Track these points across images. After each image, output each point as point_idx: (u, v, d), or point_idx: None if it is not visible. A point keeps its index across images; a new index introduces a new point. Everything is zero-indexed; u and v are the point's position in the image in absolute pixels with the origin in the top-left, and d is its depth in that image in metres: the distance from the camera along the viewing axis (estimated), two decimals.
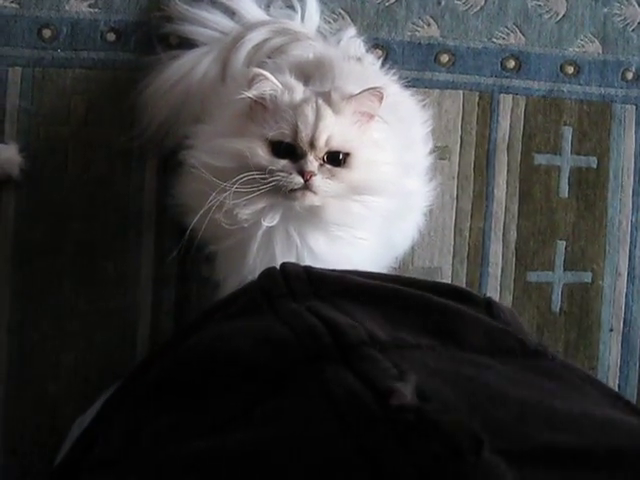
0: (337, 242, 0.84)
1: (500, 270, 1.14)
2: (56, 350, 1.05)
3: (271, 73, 0.81)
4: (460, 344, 0.47)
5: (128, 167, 1.05)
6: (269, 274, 0.59)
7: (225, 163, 0.80)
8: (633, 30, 1.18)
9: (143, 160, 1.05)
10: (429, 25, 1.12)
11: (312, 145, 0.78)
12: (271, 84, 0.80)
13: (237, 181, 0.77)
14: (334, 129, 0.79)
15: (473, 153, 1.13)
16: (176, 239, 1.03)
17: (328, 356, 0.44)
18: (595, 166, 1.17)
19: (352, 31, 1.07)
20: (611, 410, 0.42)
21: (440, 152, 1.08)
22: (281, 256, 0.82)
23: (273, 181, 0.77)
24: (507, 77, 1.14)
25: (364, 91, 0.80)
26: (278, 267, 0.59)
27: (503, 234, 1.14)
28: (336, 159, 0.79)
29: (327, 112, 0.79)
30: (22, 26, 1.04)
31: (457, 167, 1.12)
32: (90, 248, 1.05)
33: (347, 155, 0.80)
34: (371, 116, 0.81)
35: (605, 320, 1.18)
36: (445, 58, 1.12)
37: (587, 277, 1.17)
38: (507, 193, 1.14)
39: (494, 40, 1.14)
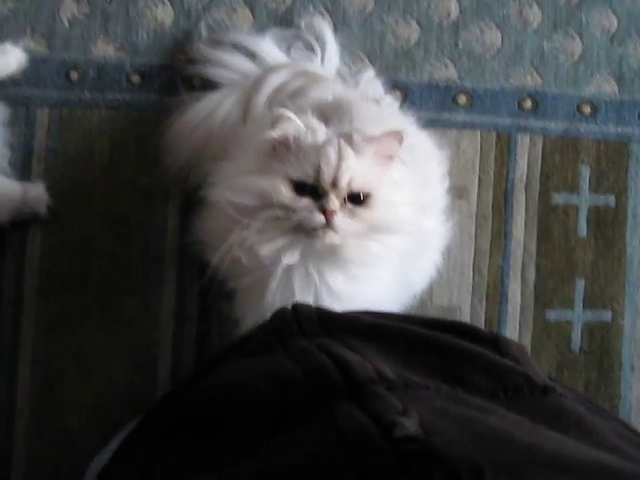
0: (355, 280, 0.85)
1: (519, 309, 1.14)
2: (77, 384, 1.06)
3: (294, 114, 0.82)
4: (466, 385, 0.48)
5: (151, 206, 1.08)
6: (281, 314, 0.60)
7: (247, 201, 0.81)
8: None
9: (166, 199, 1.08)
10: (447, 67, 1.14)
11: (334, 185, 0.79)
12: (294, 125, 0.81)
13: (259, 219, 0.79)
14: (356, 170, 0.80)
15: (491, 192, 1.14)
16: (197, 276, 1.05)
17: (337, 393, 0.45)
18: (613, 205, 1.17)
19: (371, 73, 1.09)
20: (620, 442, 0.42)
21: (458, 191, 1.09)
22: (300, 294, 0.83)
23: (295, 220, 0.78)
24: (524, 117, 1.15)
25: (385, 134, 0.81)
26: (290, 307, 0.60)
27: (522, 273, 1.14)
28: (357, 199, 0.80)
29: (349, 153, 0.80)
30: (51, 68, 1.07)
31: (475, 206, 1.13)
32: (113, 284, 1.07)
33: (367, 195, 0.81)
34: (391, 157, 0.82)
35: (626, 359, 1.17)
36: (463, 99, 1.14)
37: (607, 316, 1.17)
38: (525, 232, 1.14)
39: (511, 81, 1.15)
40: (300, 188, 0.80)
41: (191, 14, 1.10)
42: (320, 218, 0.78)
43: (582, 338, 1.16)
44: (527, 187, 1.15)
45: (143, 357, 1.07)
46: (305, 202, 0.79)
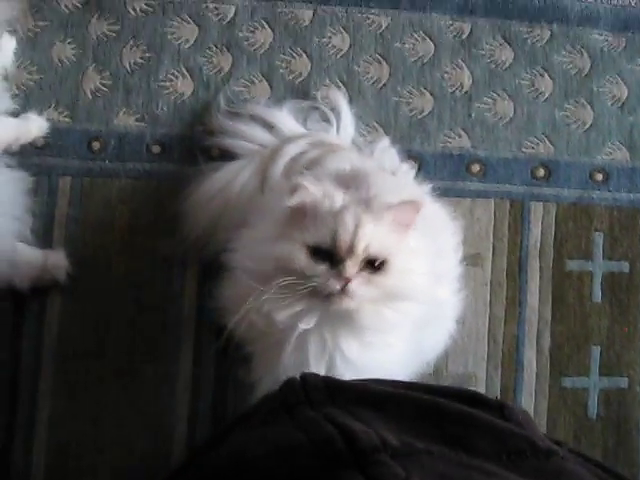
0: (369, 348, 0.85)
1: (535, 376, 1.14)
2: (93, 451, 1.06)
3: (311, 183, 0.83)
4: (470, 449, 0.49)
5: (170, 273, 1.09)
6: (289, 384, 0.61)
7: (265, 267, 0.81)
8: None
9: (184, 267, 1.09)
10: (460, 136, 1.16)
11: (351, 251, 0.79)
12: (312, 192, 0.81)
13: (276, 284, 0.79)
14: (373, 236, 0.80)
15: (505, 260, 1.15)
16: (214, 343, 1.06)
17: (343, 462, 0.46)
18: (627, 270, 1.18)
19: (386, 142, 1.11)
20: None
21: (473, 259, 1.11)
22: (314, 359, 0.83)
23: (311, 285, 0.79)
24: (537, 185, 1.17)
25: (403, 202, 0.82)
26: (298, 377, 0.61)
27: (537, 340, 1.14)
28: (373, 265, 0.80)
29: (366, 219, 0.80)
30: (73, 139, 1.10)
31: (490, 274, 1.14)
32: (131, 351, 1.08)
33: (384, 262, 0.81)
34: (408, 226, 0.83)
35: None
36: (476, 168, 1.16)
37: (623, 382, 1.16)
38: (540, 299, 1.15)
39: (524, 150, 1.17)
40: (317, 253, 0.80)
41: (210, 86, 1.13)
42: (335, 284, 0.79)
43: (599, 405, 1.15)
44: (541, 254, 1.16)
45: (159, 424, 1.07)
46: (321, 268, 0.79)
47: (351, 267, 0.79)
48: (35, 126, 1.08)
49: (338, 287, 0.79)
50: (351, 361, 0.84)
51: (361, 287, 0.79)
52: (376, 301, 0.82)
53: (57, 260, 1.06)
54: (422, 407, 0.55)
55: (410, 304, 0.83)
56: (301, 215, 0.82)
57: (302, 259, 0.80)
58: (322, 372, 0.83)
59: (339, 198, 0.83)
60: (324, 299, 0.80)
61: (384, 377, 0.77)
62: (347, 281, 0.79)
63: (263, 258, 0.82)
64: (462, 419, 0.52)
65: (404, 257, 0.82)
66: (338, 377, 0.80)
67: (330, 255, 0.80)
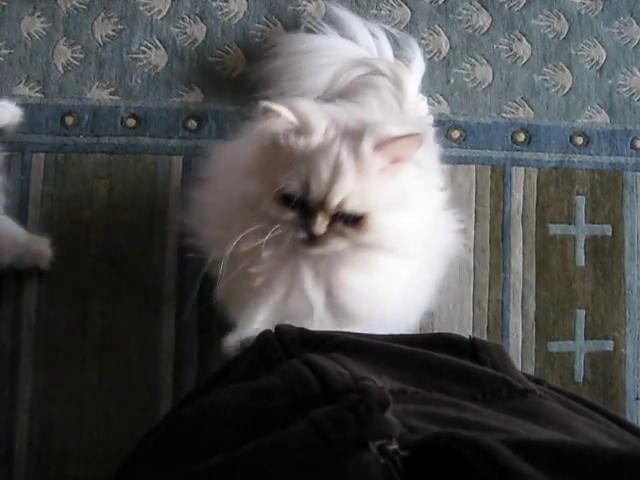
0: (365, 270, 0.76)
1: (521, 341, 1.14)
2: (76, 430, 1.04)
3: (286, 106, 0.70)
4: (445, 392, 0.49)
5: (149, 248, 1.07)
6: (265, 339, 0.60)
7: (231, 204, 0.74)
8: (639, 100, 1.20)
9: (164, 240, 1.07)
10: (439, 102, 1.15)
11: (323, 205, 0.70)
12: (286, 120, 0.69)
13: (244, 231, 0.71)
14: (352, 189, 0.69)
15: (488, 226, 1.14)
16: (196, 316, 1.05)
17: (315, 401, 0.45)
18: (610, 234, 1.17)
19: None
20: (601, 437, 0.44)
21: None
22: (311, 287, 0.76)
23: (276, 231, 0.70)
24: (518, 150, 1.16)
25: (405, 136, 0.70)
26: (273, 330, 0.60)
27: (522, 305, 1.14)
28: (348, 219, 0.71)
29: (347, 169, 0.69)
30: (46, 114, 1.08)
31: (473, 240, 1.13)
32: (111, 328, 1.06)
33: (362, 217, 0.71)
34: (402, 161, 0.72)
35: (630, 388, 1.16)
36: (456, 134, 1.15)
37: (609, 345, 1.16)
38: (524, 264, 1.14)
39: (503, 115, 1.16)
40: (287, 200, 0.70)
41: (184, 57, 1.11)
42: (303, 235, 0.71)
43: (585, 369, 1.15)
44: (524, 219, 1.15)
45: (143, 401, 1.05)
46: (290, 216, 0.71)
47: (321, 222, 0.70)
48: (8, 113, 1.05)
49: (305, 236, 0.71)
50: (348, 285, 0.76)
51: (332, 240, 0.71)
52: (352, 249, 0.73)
53: (41, 248, 1.04)
54: (399, 355, 0.55)
55: (393, 257, 0.75)
56: (275, 150, 0.71)
57: (269, 204, 0.71)
58: (321, 299, 0.77)
59: (319, 130, 0.70)
60: (296, 243, 0.72)
61: (384, 310, 0.75)
62: (315, 235, 0.71)
63: (230, 195, 0.74)
64: (437, 366, 0.52)
65: (388, 212, 0.72)
66: (340, 305, 0.76)
67: (301, 203, 0.70)
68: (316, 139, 0.69)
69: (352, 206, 0.70)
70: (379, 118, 0.78)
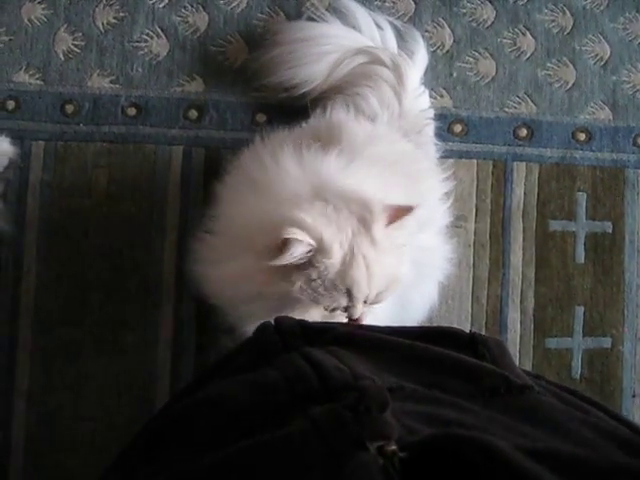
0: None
1: (519, 337, 1.14)
2: (74, 420, 1.04)
3: (301, 231, 0.72)
4: (444, 390, 0.49)
5: (148, 238, 1.07)
6: (264, 331, 0.60)
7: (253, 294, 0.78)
8: None
9: (163, 232, 1.07)
10: (442, 96, 1.14)
11: (364, 299, 0.77)
12: (304, 245, 0.72)
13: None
14: (380, 273, 0.75)
15: (488, 221, 1.14)
16: (195, 308, 1.05)
17: (314, 397, 0.45)
18: (610, 231, 1.17)
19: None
20: (594, 435, 0.44)
21: (456, 220, 1.09)
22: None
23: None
24: (520, 145, 1.16)
25: (397, 207, 0.76)
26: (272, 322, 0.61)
27: (520, 301, 1.14)
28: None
29: (374, 264, 0.74)
30: (46, 102, 1.07)
31: (473, 235, 1.13)
32: (109, 318, 1.06)
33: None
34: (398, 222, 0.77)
35: (627, 386, 1.16)
36: (458, 128, 1.14)
37: (607, 342, 1.16)
38: (523, 260, 1.14)
39: (506, 109, 1.16)
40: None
41: (186, 46, 1.10)
42: (343, 317, 0.78)
43: (582, 365, 1.15)
44: (524, 215, 1.15)
45: (140, 391, 1.05)
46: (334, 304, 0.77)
47: (361, 309, 0.77)
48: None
49: (345, 316, 0.78)
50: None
51: (366, 314, 0.79)
52: None
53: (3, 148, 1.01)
54: (398, 349, 0.55)
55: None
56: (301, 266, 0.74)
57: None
58: None
59: (335, 247, 0.73)
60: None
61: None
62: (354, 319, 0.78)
63: (248, 292, 0.77)
64: (439, 363, 0.53)
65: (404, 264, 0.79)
66: None
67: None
68: (336, 255, 0.73)
69: (382, 288, 0.77)
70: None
